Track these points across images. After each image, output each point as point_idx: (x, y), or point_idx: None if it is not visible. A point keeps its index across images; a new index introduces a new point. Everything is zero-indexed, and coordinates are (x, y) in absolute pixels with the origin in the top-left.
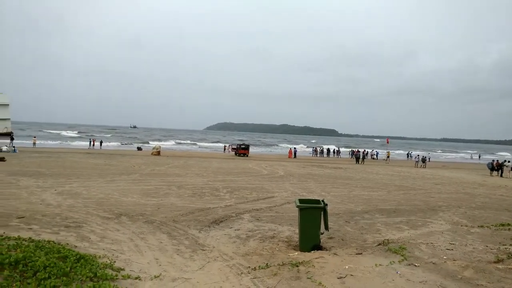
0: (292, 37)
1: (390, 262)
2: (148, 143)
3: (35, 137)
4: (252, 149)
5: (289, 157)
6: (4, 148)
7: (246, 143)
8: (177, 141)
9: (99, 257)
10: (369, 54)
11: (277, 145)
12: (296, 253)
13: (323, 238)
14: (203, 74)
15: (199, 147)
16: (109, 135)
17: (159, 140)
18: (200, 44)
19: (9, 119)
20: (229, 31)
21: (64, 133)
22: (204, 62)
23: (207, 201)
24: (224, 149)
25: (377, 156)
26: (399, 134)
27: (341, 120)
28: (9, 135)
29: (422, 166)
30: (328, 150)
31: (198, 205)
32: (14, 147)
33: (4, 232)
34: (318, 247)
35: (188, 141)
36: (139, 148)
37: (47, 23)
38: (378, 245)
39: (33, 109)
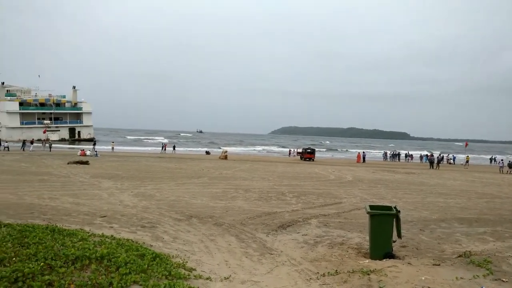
0: (361, 36)
1: (474, 276)
2: (219, 147)
3: (113, 142)
4: (317, 154)
5: (357, 162)
6: (88, 153)
7: (312, 147)
8: (243, 145)
9: (173, 256)
10: (446, 51)
11: (344, 150)
12: (367, 261)
13: (395, 247)
14: (266, 79)
15: (265, 151)
16: (182, 140)
17: (227, 145)
18: (260, 47)
19: (91, 125)
20: (295, 33)
21: (148, 139)
22: (266, 66)
23: (273, 205)
24: (289, 153)
25: (454, 160)
26: (481, 137)
27: (413, 122)
28: (92, 140)
29: (509, 172)
30: (399, 154)
31: (265, 209)
32: (96, 151)
33: (90, 229)
34: (390, 255)
35: (254, 146)
36: (207, 152)
37: (119, 31)
38: (458, 256)
39: (110, 116)
